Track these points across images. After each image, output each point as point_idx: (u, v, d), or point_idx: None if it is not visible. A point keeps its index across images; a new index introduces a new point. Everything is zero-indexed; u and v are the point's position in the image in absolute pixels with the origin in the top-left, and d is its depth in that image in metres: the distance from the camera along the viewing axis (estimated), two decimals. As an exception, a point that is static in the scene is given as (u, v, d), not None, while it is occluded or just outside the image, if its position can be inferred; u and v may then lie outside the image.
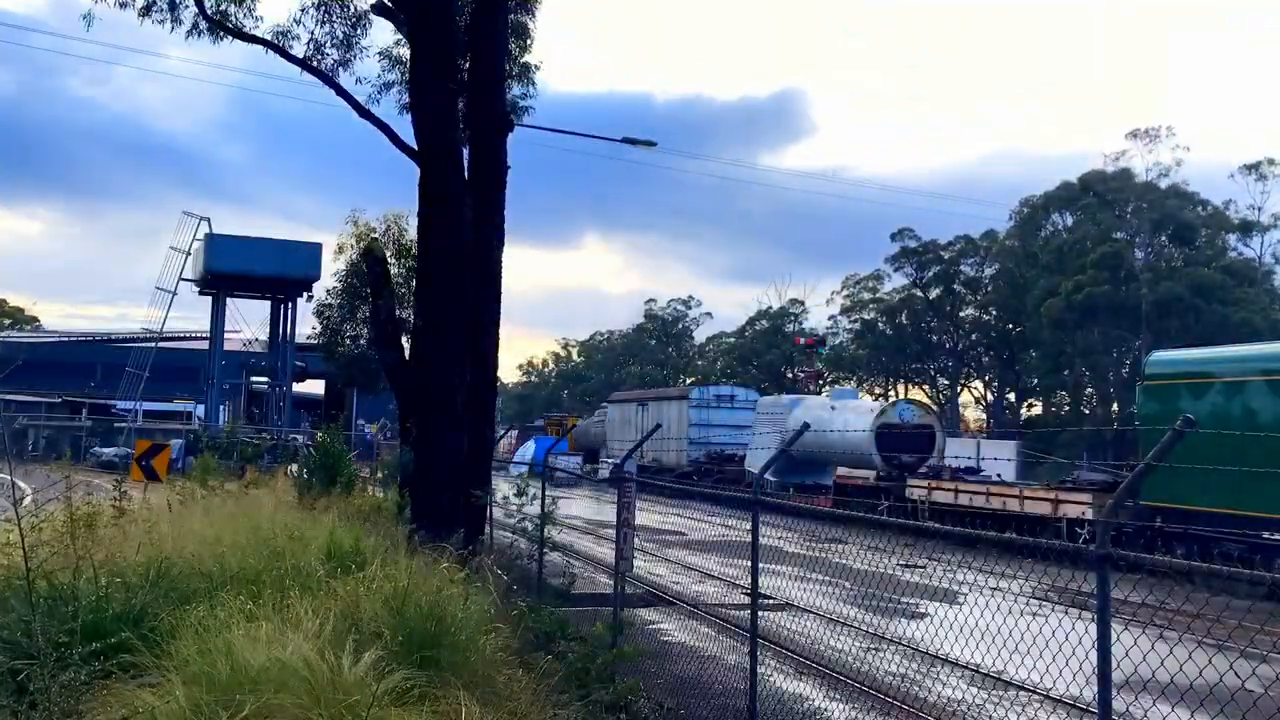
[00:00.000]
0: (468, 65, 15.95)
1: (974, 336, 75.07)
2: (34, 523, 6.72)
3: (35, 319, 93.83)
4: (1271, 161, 57.90)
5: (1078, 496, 23.00)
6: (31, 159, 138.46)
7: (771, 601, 13.62)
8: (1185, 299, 51.46)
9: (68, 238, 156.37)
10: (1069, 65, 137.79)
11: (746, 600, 9.53)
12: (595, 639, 9.40)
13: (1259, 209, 58.12)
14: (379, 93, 19.04)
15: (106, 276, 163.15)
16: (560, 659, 9.02)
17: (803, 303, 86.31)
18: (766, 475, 8.55)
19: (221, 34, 16.71)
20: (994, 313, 71.90)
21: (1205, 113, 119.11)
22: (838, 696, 10.09)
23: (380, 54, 19.32)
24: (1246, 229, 58.01)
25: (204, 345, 57.12)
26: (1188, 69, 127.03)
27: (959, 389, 77.56)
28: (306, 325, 43.25)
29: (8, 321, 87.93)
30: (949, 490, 26.97)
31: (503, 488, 15.15)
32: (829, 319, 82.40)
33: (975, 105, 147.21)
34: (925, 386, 78.93)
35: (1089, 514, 21.64)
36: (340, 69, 17.47)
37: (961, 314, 73.81)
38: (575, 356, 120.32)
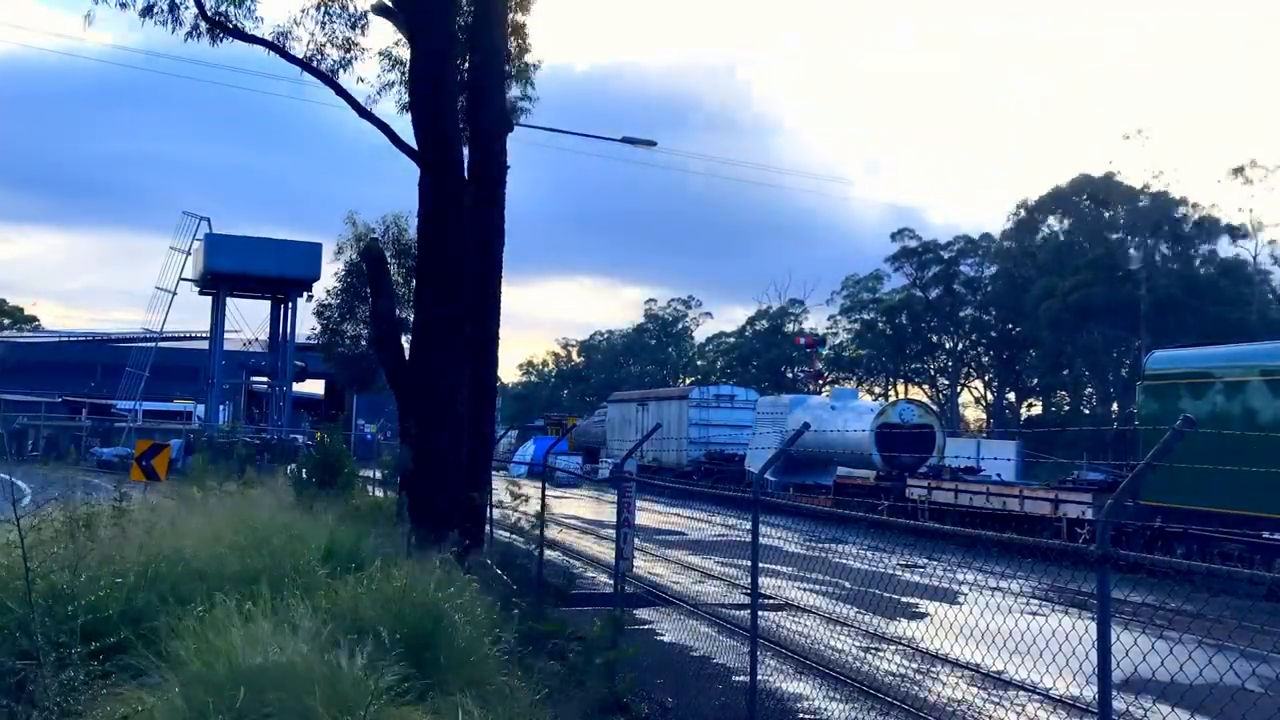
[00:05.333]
0: (467, 65, 15.95)
1: (974, 336, 75.07)
2: (32, 523, 6.70)
3: (35, 319, 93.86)
4: (1254, 163, 57.90)
5: (1078, 496, 22.97)
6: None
7: (771, 601, 13.63)
8: (1179, 299, 51.50)
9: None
10: (1065, 65, 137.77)
11: (746, 600, 9.54)
12: (595, 639, 9.40)
13: (1251, 210, 58.19)
14: (378, 93, 19.07)
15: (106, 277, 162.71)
16: (560, 659, 9.02)
17: (803, 302, 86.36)
18: (766, 475, 8.54)
19: (221, 35, 16.70)
20: (993, 313, 71.91)
21: (1198, 113, 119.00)
22: (838, 696, 10.08)
23: (380, 54, 19.34)
24: (1235, 231, 58.05)
25: (204, 345, 57.11)
26: (1184, 68, 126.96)
27: (959, 389, 77.58)
28: (306, 325, 43.25)
29: (7, 321, 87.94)
30: (949, 490, 26.95)
31: (502, 488, 15.14)
32: (829, 319, 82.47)
33: (972, 106, 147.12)
34: (925, 386, 78.92)
35: (1089, 514, 21.61)
36: (340, 69, 17.48)
37: (961, 314, 73.81)
38: (575, 356, 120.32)
